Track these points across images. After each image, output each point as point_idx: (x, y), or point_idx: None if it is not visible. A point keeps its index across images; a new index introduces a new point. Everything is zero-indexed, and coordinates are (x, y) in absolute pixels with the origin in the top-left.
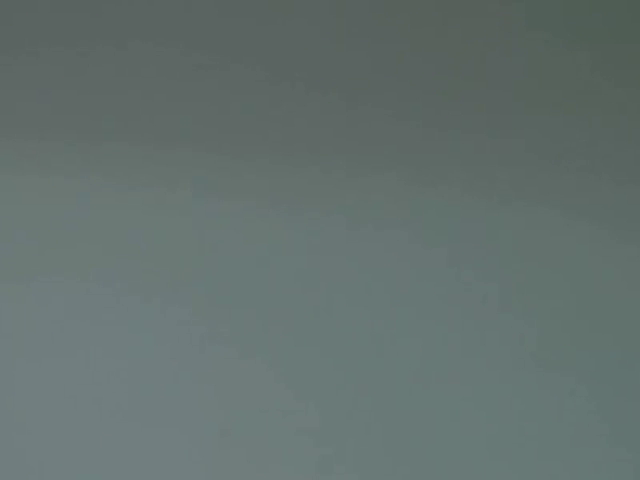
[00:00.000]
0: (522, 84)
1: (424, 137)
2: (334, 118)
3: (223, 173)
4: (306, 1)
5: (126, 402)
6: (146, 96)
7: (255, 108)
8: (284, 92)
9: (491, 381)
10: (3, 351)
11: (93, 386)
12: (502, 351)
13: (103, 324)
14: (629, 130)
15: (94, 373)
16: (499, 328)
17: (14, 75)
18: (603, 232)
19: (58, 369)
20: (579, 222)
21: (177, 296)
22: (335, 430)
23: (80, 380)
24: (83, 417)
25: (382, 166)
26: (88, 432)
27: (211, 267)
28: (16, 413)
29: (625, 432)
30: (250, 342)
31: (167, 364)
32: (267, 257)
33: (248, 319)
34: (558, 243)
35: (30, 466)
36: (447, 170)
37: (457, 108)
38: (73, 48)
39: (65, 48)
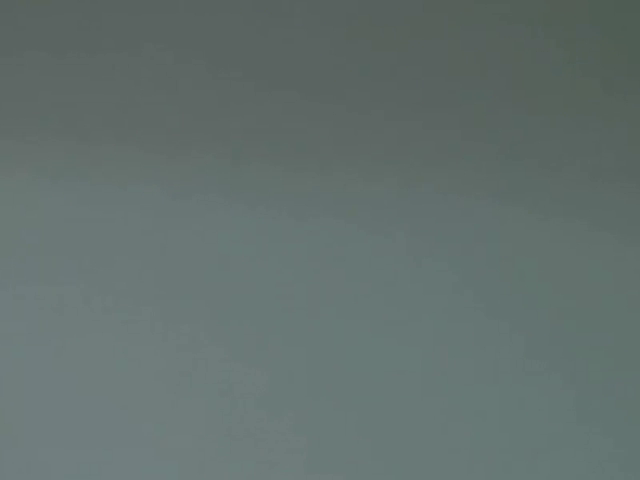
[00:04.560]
0: (522, 86)
1: (424, 140)
2: (332, 121)
3: (218, 176)
4: (304, 5)
5: (122, 405)
6: (143, 99)
7: (253, 112)
8: (282, 96)
9: (485, 384)
10: None
11: (88, 390)
12: (497, 354)
13: (100, 326)
14: (629, 131)
15: (89, 377)
16: (494, 330)
17: (14, 78)
18: (601, 234)
19: (53, 373)
20: (576, 224)
21: (174, 298)
22: (331, 433)
23: (76, 383)
24: (79, 420)
25: (381, 170)
26: (84, 436)
27: (207, 270)
28: (11, 419)
29: (616, 435)
30: (248, 345)
31: (163, 368)
32: (264, 261)
33: (246, 322)
34: (555, 247)
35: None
36: (445, 174)
37: (456, 111)
38: (73, 51)
39: (64, 52)
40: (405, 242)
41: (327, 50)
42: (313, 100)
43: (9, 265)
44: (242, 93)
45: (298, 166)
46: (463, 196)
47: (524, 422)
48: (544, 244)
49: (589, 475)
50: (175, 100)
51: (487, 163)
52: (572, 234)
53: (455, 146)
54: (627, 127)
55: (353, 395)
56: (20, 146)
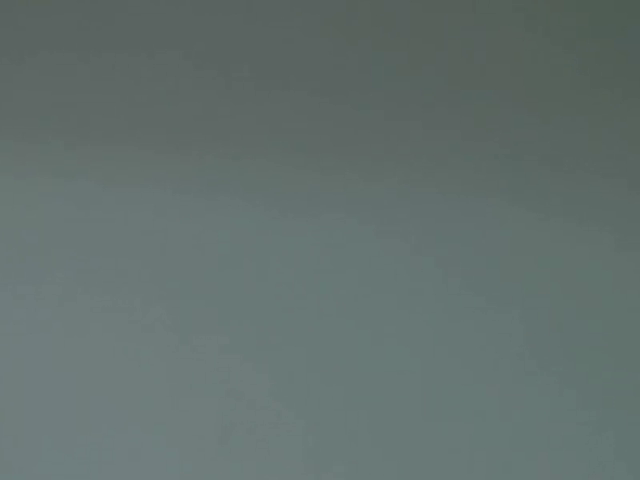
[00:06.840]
0: (522, 86)
1: (424, 140)
2: (333, 121)
3: (218, 176)
4: (305, 5)
5: (123, 404)
6: (143, 99)
7: (254, 112)
8: (283, 95)
9: (485, 384)
10: None
11: (88, 390)
12: (498, 354)
13: (100, 325)
14: (629, 131)
15: (90, 377)
16: (494, 329)
17: (15, 78)
18: (601, 234)
19: (53, 372)
20: (576, 224)
21: (174, 298)
22: (332, 432)
23: (76, 383)
24: (80, 420)
25: (381, 170)
26: (85, 435)
27: (208, 269)
28: (11, 419)
29: (616, 435)
30: (249, 344)
31: (163, 367)
32: (264, 260)
33: (247, 321)
34: (555, 247)
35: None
36: (445, 174)
37: (457, 110)
38: (73, 51)
39: (64, 52)
40: (405, 241)
41: (328, 50)
42: (313, 100)
43: (9, 265)
44: (242, 93)
45: (298, 165)
46: (463, 196)
47: (524, 422)
48: (544, 244)
49: (589, 475)
50: (175, 100)
51: (487, 163)
52: (572, 234)
53: (455, 146)
54: (627, 127)
55: (354, 394)
56: (20, 146)
